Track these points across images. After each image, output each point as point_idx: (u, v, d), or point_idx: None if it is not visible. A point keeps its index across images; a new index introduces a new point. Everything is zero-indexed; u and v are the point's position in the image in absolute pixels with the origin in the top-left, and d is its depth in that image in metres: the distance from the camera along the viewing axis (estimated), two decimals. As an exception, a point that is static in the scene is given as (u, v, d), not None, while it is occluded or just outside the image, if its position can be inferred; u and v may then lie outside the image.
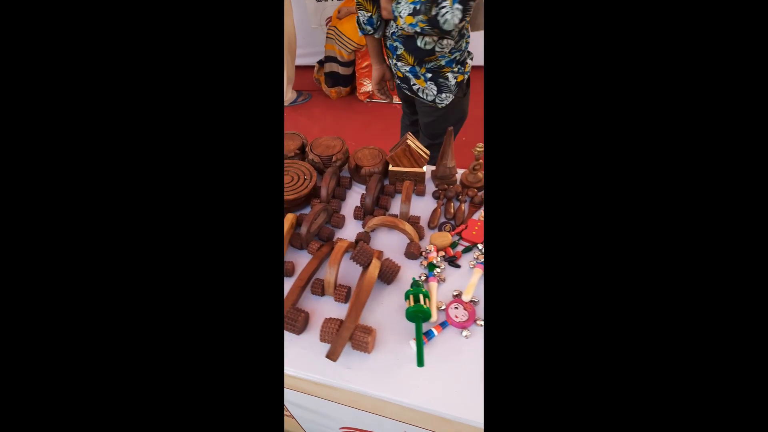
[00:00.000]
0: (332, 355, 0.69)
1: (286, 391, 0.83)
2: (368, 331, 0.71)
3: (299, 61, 2.71)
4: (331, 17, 2.76)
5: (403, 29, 1.04)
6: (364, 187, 1.05)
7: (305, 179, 0.98)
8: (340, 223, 0.94)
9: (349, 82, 2.68)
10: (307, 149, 1.07)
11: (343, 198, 1.01)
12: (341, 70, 2.57)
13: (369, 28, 1.14)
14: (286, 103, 2.70)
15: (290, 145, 1.08)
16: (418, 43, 1.06)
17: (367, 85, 2.61)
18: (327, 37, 2.50)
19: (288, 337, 0.76)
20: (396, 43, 1.13)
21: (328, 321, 0.72)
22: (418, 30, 1.00)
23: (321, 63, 2.83)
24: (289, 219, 0.89)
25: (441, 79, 1.15)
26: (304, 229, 0.87)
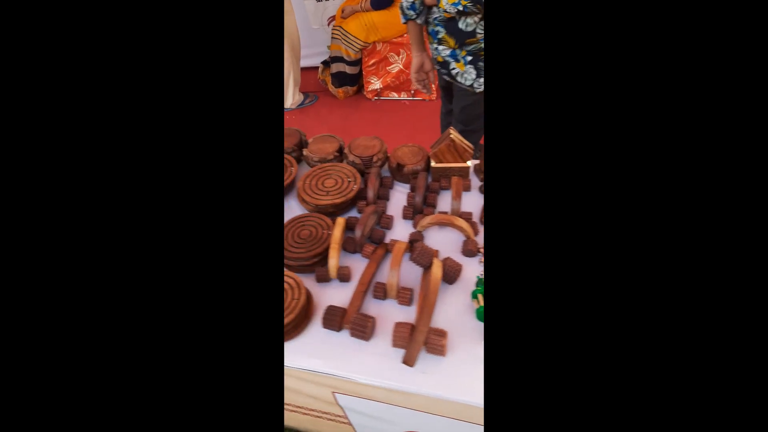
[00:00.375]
0: (409, 361, 0.68)
1: (351, 399, 0.81)
2: (442, 333, 0.69)
3: (302, 63, 2.67)
4: (332, 17, 2.73)
5: (445, 11, 1.04)
6: (405, 185, 1.03)
7: (349, 181, 0.96)
8: (389, 224, 0.92)
9: (356, 81, 2.65)
10: (345, 151, 1.04)
11: (387, 198, 0.99)
12: (348, 69, 2.55)
13: (411, 12, 1.14)
14: (293, 106, 2.67)
15: (328, 148, 1.05)
16: (460, 25, 1.07)
17: (375, 83, 2.59)
18: (332, 37, 2.47)
19: (356, 344, 0.74)
20: (437, 27, 1.14)
21: (400, 325, 0.70)
22: (461, 8, 1.01)
23: (326, 64, 2.80)
24: (340, 224, 0.87)
25: (481, 63, 1.14)
26: (358, 233, 0.85)
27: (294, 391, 0.86)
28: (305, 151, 1.07)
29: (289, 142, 1.09)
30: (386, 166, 1.07)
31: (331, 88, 2.70)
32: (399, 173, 1.02)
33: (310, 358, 0.74)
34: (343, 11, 2.41)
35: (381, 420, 0.90)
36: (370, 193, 0.93)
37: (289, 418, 1.16)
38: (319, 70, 2.83)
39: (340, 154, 1.07)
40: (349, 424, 1.00)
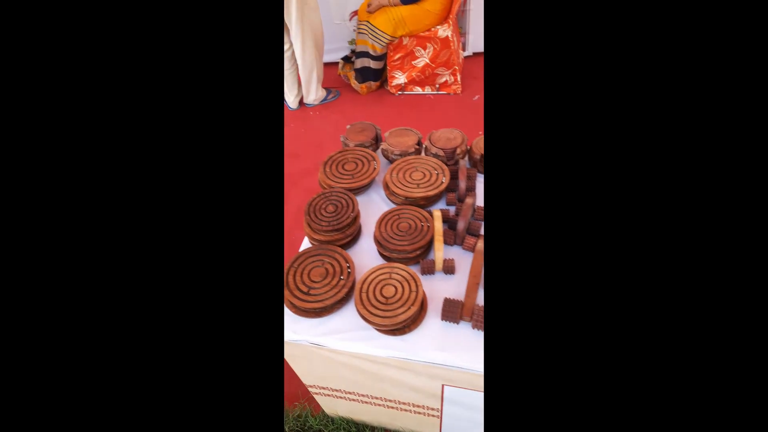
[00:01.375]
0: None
1: (461, 391, 0.81)
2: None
3: (323, 59, 2.65)
4: (354, 11, 2.70)
5: None
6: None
7: (437, 174, 0.95)
8: (482, 215, 0.92)
9: (380, 76, 2.64)
10: (426, 144, 1.04)
11: (473, 189, 0.99)
12: (373, 64, 2.53)
13: None
14: (316, 102, 2.65)
15: (408, 141, 1.05)
16: None
17: (399, 78, 2.57)
18: (359, 32, 2.45)
19: (478, 336, 0.74)
20: None
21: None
22: None
23: (347, 59, 2.78)
24: (438, 216, 0.87)
25: None
26: (461, 225, 0.84)
27: (397, 383, 0.86)
28: (384, 145, 1.06)
29: (365, 136, 1.08)
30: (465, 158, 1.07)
31: (353, 83, 2.68)
32: (483, 165, 1.01)
33: (432, 351, 0.74)
34: (369, 5, 2.39)
35: (476, 409, 0.90)
36: (462, 185, 0.93)
37: (364, 411, 1.16)
38: (340, 65, 2.80)
39: (419, 147, 1.06)
40: (437, 417, 1.00)
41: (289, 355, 0.89)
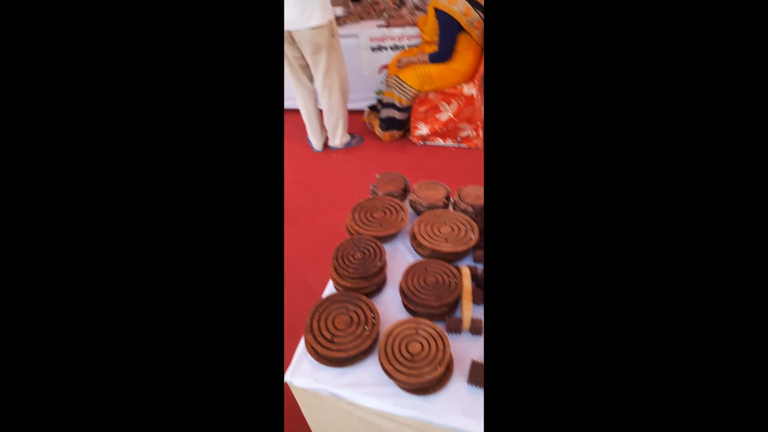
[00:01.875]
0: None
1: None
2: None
3: (349, 106, 2.77)
4: (384, 65, 2.86)
5: None
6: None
7: (466, 230, 0.96)
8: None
9: (404, 125, 2.73)
10: (455, 199, 1.06)
11: (500, 249, 0.99)
12: (398, 115, 2.63)
13: None
14: (341, 146, 2.74)
15: (436, 195, 1.07)
16: None
17: (422, 129, 2.66)
18: (387, 85, 2.57)
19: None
20: None
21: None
22: None
23: (372, 108, 2.90)
24: (467, 273, 0.86)
25: None
26: (490, 284, 0.84)
27: (413, 447, 0.82)
28: (412, 196, 1.08)
29: (395, 186, 1.10)
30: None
31: (377, 130, 2.78)
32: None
33: (456, 416, 0.71)
34: (399, 62, 2.52)
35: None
36: (491, 243, 0.93)
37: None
38: (365, 113, 2.92)
39: (448, 201, 1.08)
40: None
41: (302, 402, 0.86)
